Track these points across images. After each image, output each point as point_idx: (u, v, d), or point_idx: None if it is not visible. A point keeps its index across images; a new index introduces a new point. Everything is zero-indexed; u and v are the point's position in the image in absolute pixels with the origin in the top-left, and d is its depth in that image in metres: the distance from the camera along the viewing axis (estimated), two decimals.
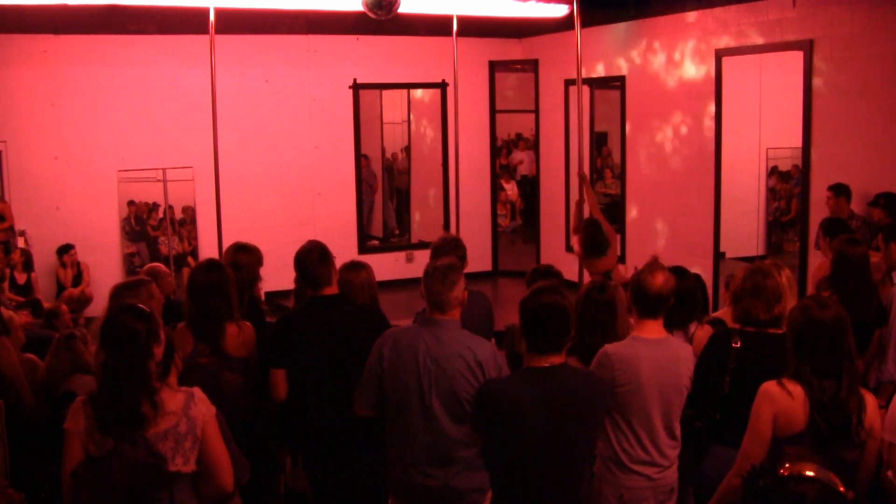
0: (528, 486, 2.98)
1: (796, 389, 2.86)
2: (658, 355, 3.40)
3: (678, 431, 3.49)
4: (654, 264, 3.53)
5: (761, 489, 1.80)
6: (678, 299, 4.00)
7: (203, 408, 2.83)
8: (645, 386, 3.34)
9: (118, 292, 3.94)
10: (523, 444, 2.96)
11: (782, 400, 2.87)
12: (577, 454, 3.02)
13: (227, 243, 4.90)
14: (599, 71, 10.14)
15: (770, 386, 2.92)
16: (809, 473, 1.83)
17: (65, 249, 9.47)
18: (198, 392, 2.88)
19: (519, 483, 2.99)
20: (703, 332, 4.03)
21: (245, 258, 4.48)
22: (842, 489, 1.82)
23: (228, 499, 2.99)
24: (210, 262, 4.06)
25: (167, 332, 3.24)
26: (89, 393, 2.79)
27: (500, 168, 13.05)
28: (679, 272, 4.16)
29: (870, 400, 2.93)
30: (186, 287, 3.95)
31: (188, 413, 2.78)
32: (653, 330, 3.46)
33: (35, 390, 4.41)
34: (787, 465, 1.83)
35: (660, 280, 3.43)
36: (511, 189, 13.96)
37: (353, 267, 4.26)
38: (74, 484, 2.62)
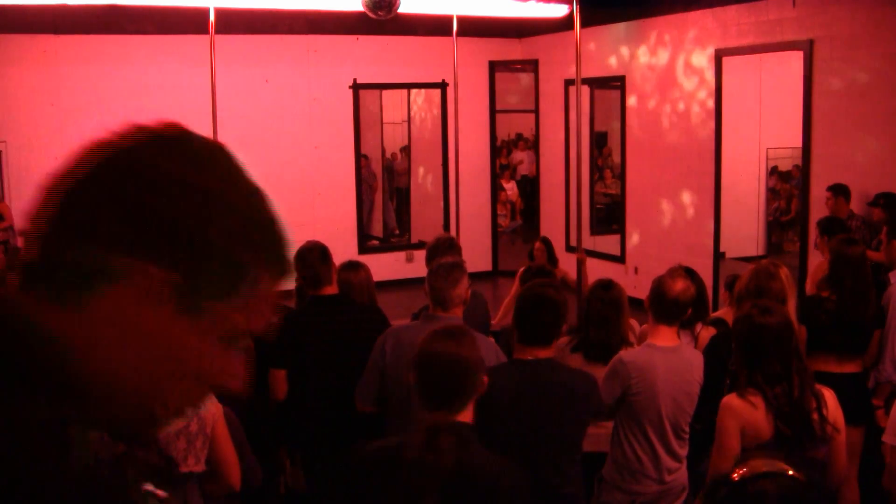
0: None
1: (758, 399, 2.85)
2: (672, 363, 3.39)
3: (687, 434, 3.50)
4: (676, 271, 3.54)
5: (722, 499, 1.81)
6: None
7: (212, 406, 2.83)
8: (660, 394, 3.34)
9: None
10: (497, 435, 2.94)
11: (746, 412, 2.85)
12: (556, 448, 3.00)
13: None
14: (599, 71, 10.14)
15: (732, 399, 2.90)
16: (763, 469, 1.84)
17: None
18: None
19: None
20: (707, 333, 4.04)
21: None
22: (791, 472, 1.83)
23: (234, 497, 3.00)
24: None
25: None
26: None
27: (500, 168, 13.05)
28: (686, 273, 4.17)
29: (828, 395, 2.92)
30: None
31: (198, 413, 2.78)
32: (667, 337, 3.45)
33: None
34: (739, 470, 1.84)
35: (680, 286, 3.44)
36: (511, 189, 13.96)
37: (352, 267, 4.27)
38: None
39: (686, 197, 9.10)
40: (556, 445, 2.99)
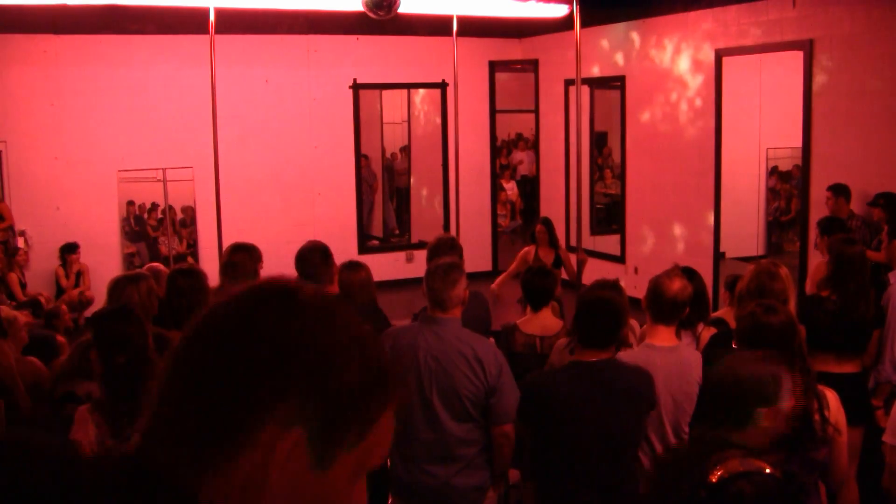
0: (574, 478, 3.02)
1: None
2: (671, 363, 3.39)
3: (686, 435, 3.50)
4: (672, 271, 3.53)
5: (702, 501, 1.82)
6: None
7: None
8: (660, 394, 3.35)
9: (119, 284, 3.95)
10: (570, 437, 2.99)
11: None
12: (621, 446, 3.05)
13: (227, 243, 4.90)
14: (599, 71, 10.14)
15: None
16: (740, 469, 1.84)
17: (70, 249, 9.46)
18: None
19: (565, 475, 3.03)
20: (708, 333, 4.04)
21: (242, 258, 4.51)
22: (768, 469, 1.84)
23: None
24: (188, 267, 4.12)
25: (168, 335, 3.26)
26: (94, 400, 2.78)
27: (500, 168, 13.04)
28: (687, 272, 4.16)
29: (830, 396, 2.92)
30: (170, 292, 3.95)
31: None
32: (665, 337, 3.45)
33: (39, 393, 4.39)
34: (716, 472, 1.84)
35: (677, 286, 3.43)
36: (511, 189, 13.96)
37: (353, 267, 4.26)
38: None
39: (686, 197, 9.10)
40: (619, 444, 3.04)
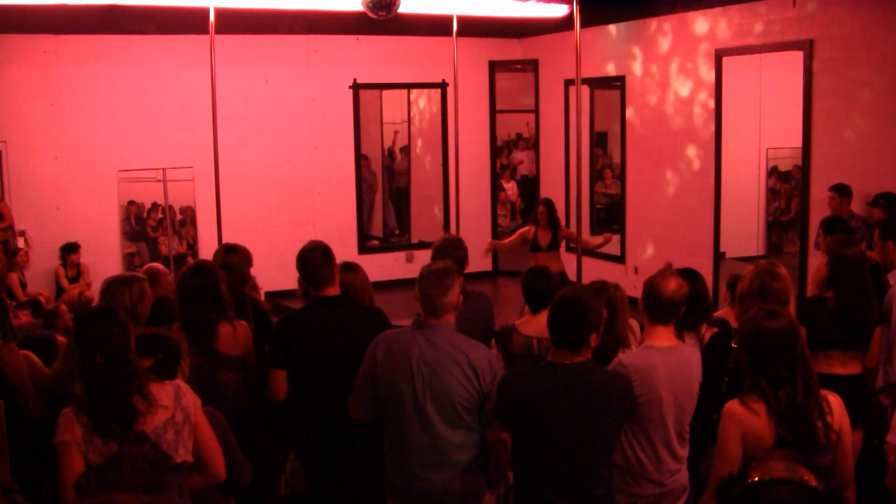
0: (546, 477, 3.02)
1: (760, 406, 2.82)
2: (672, 363, 3.39)
3: (688, 434, 3.50)
4: (667, 270, 3.53)
5: (735, 498, 1.78)
6: (690, 301, 4.00)
7: (191, 397, 2.88)
8: (662, 395, 3.34)
9: (112, 286, 3.95)
10: (541, 436, 3.00)
11: (747, 419, 2.83)
12: (594, 450, 3.04)
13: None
14: (599, 71, 10.14)
15: (733, 405, 2.88)
16: (779, 475, 1.81)
17: (70, 249, 9.46)
18: (182, 383, 2.93)
19: (537, 474, 3.03)
20: (710, 334, 4.04)
21: (235, 259, 4.50)
22: (813, 483, 1.81)
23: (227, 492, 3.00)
24: (197, 266, 4.07)
25: (170, 334, 3.25)
26: (76, 400, 2.78)
27: (500, 168, 13.04)
28: (689, 274, 4.15)
29: (833, 400, 2.89)
30: (176, 292, 3.98)
31: (181, 403, 2.81)
32: (664, 337, 3.45)
33: (37, 389, 4.38)
34: (755, 472, 1.81)
35: (673, 286, 3.42)
36: (511, 189, 13.95)
37: (351, 268, 4.24)
38: (79, 495, 2.60)
39: (686, 197, 9.10)
40: (592, 447, 3.03)
